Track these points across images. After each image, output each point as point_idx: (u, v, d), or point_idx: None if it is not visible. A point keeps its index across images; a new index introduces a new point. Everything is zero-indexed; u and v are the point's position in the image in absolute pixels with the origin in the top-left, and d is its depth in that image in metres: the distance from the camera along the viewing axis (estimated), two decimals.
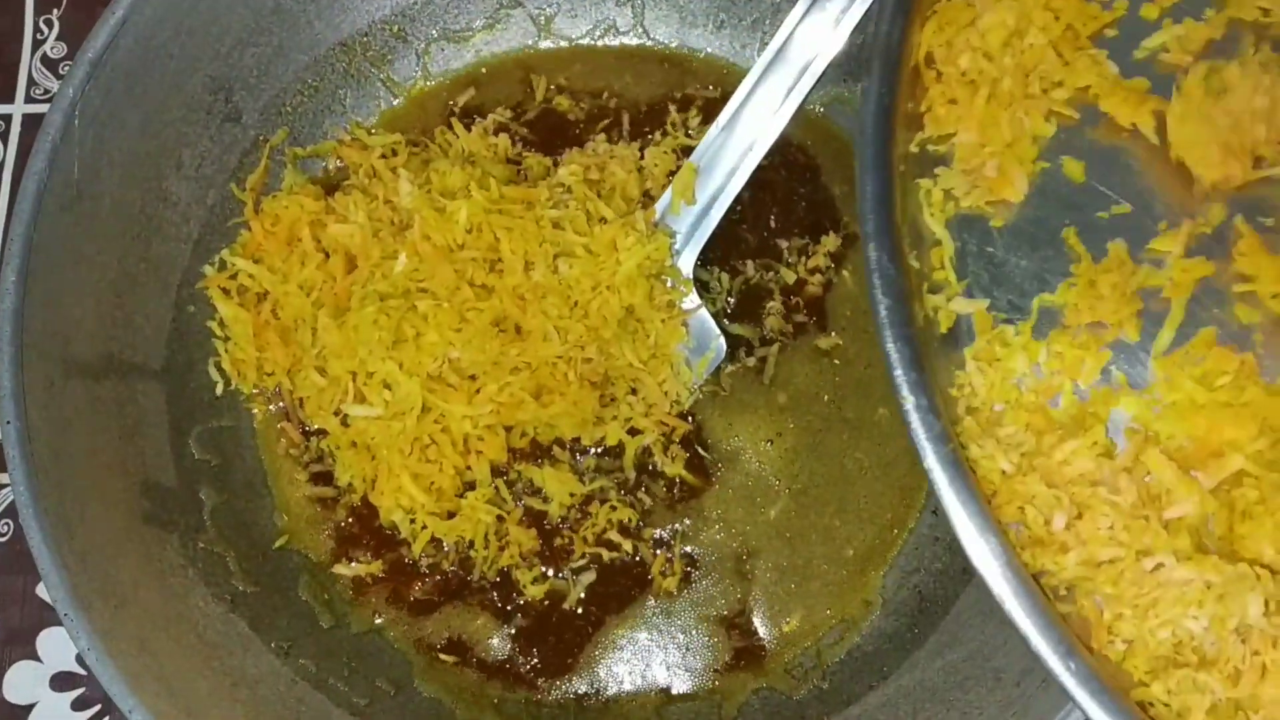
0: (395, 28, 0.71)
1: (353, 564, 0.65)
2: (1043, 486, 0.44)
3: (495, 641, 0.64)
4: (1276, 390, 0.44)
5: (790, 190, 0.71)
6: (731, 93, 0.64)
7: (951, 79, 0.48)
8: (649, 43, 0.74)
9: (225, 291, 0.65)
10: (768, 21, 0.72)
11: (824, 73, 0.62)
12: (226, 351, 0.65)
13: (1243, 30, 0.47)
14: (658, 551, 0.65)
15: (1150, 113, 0.47)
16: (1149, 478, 0.44)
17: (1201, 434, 0.44)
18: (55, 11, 0.78)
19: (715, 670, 0.64)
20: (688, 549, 0.65)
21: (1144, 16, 0.48)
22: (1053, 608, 0.43)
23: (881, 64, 0.47)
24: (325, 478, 0.66)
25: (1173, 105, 0.46)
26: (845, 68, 0.70)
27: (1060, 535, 0.43)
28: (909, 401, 0.44)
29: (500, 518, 0.64)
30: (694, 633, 0.64)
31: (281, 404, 0.67)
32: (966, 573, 0.62)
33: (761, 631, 0.64)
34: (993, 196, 0.47)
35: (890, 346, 0.44)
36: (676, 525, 0.65)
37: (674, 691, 0.64)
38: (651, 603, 0.64)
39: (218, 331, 0.66)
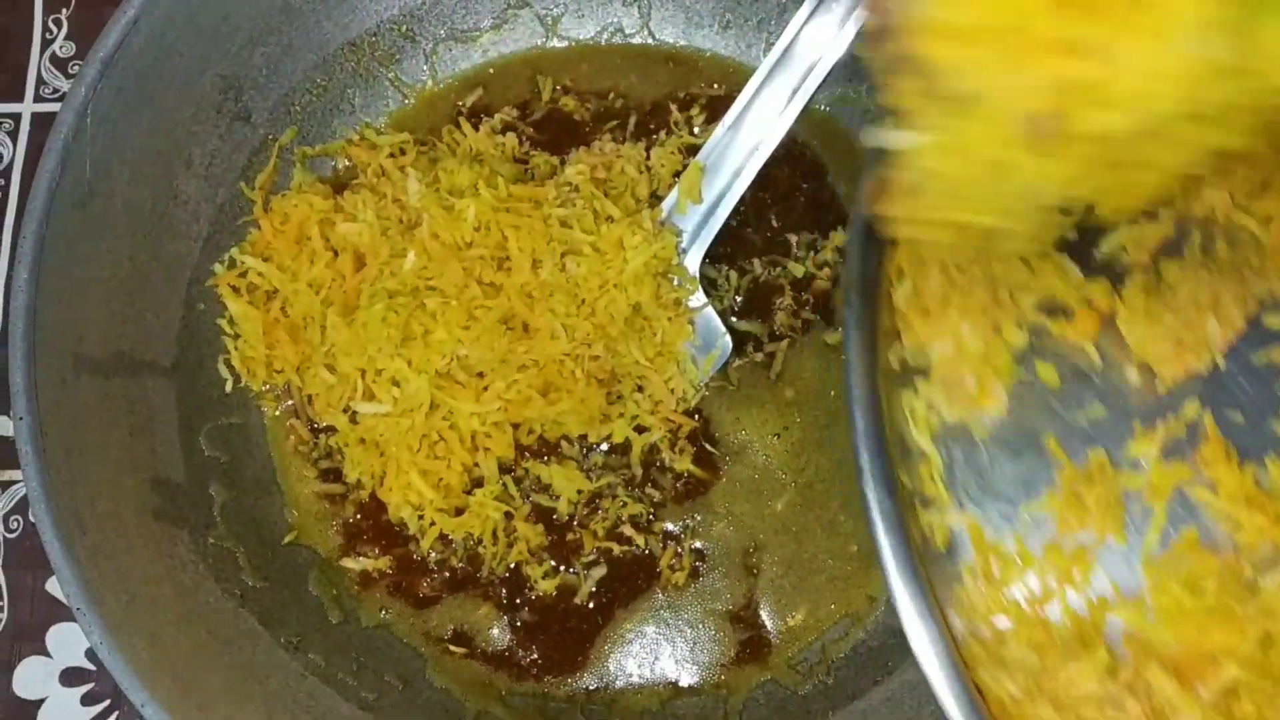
0: (403, 28, 0.72)
1: (361, 559, 0.65)
2: (1052, 711, 0.44)
3: (501, 633, 0.64)
4: (1259, 590, 0.45)
5: (794, 186, 0.71)
6: (737, 92, 0.64)
7: (923, 291, 0.49)
8: (655, 43, 0.75)
9: (235, 289, 0.65)
10: (773, 22, 0.73)
11: (829, 73, 0.62)
12: (236, 349, 0.66)
13: (1191, 226, 0.49)
14: (666, 545, 0.65)
15: (1108, 318, 0.49)
16: (1153, 693, 0.44)
17: (1193, 640, 0.44)
18: (64, 11, 0.78)
19: (721, 664, 0.64)
20: (696, 544, 0.66)
21: (1101, 217, 0.49)
22: None
23: (860, 300, 0.48)
24: (334, 474, 0.66)
25: (1120, 311, 0.48)
26: (850, 68, 0.70)
27: None
28: (919, 638, 0.44)
29: (508, 514, 0.64)
30: (701, 626, 0.64)
31: (291, 401, 0.67)
32: None
33: (768, 625, 0.65)
34: (974, 408, 0.49)
35: (896, 583, 0.45)
36: (686, 520, 0.66)
37: (681, 684, 0.64)
38: (660, 596, 0.65)
39: (227, 329, 0.66)
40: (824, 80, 0.63)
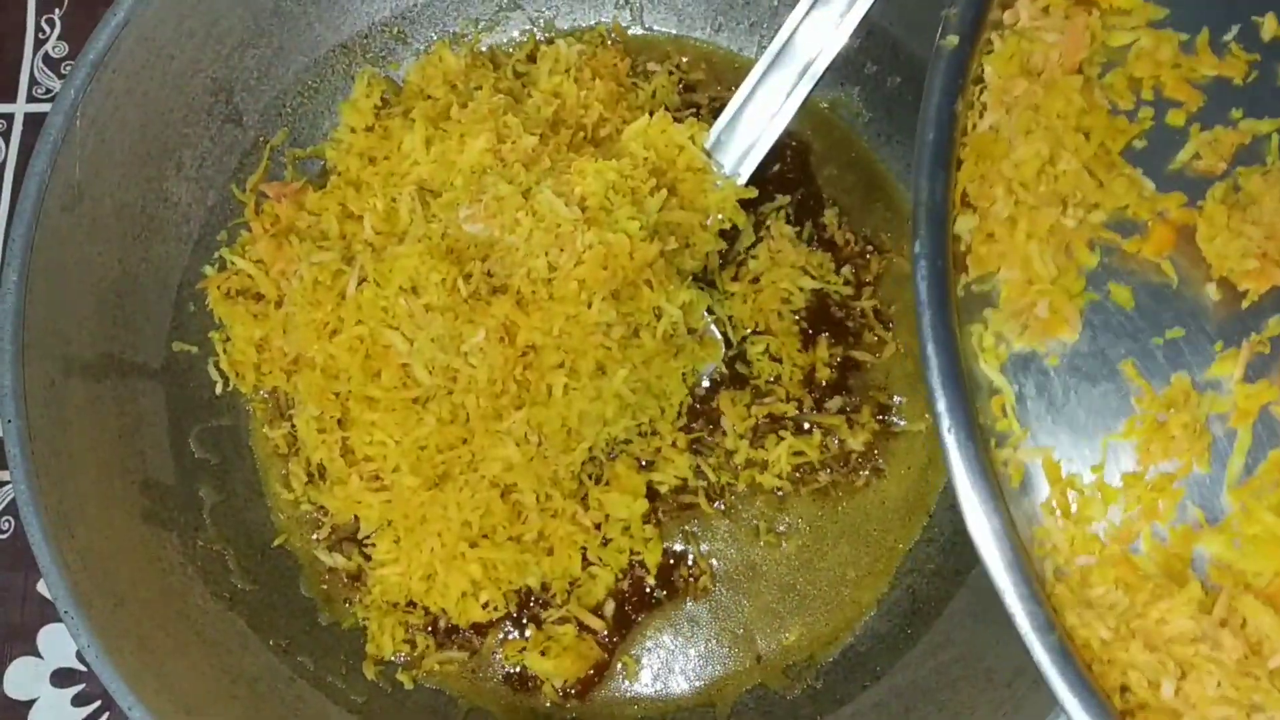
0: (395, 29, 0.71)
1: (336, 555, 0.65)
2: (1145, 652, 0.43)
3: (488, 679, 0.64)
4: None
5: (784, 185, 0.71)
6: (731, 92, 0.64)
7: (988, 214, 0.47)
8: None
9: (226, 292, 0.65)
10: (765, 25, 0.72)
11: (823, 75, 0.62)
12: (225, 352, 0.66)
13: (1270, 131, 0.47)
14: (677, 563, 0.65)
15: (1184, 233, 0.46)
16: (1248, 626, 0.42)
17: None
18: (57, 11, 0.78)
19: (715, 675, 0.64)
20: (714, 561, 0.65)
21: (1171, 124, 0.47)
22: None
23: (929, 227, 0.45)
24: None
25: (1200, 226, 0.46)
26: (843, 71, 0.70)
27: (1170, 701, 0.42)
28: (1009, 593, 0.43)
29: None
30: (701, 641, 0.64)
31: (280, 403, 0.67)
32: (959, 574, 0.63)
33: (760, 644, 0.64)
34: (1045, 336, 0.46)
35: (981, 532, 0.43)
36: (688, 546, 0.65)
37: (675, 693, 0.64)
38: (676, 614, 0.64)
39: (217, 332, 0.66)
40: (817, 82, 0.62)
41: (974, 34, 0.47)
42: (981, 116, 0.47)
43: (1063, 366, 0.46)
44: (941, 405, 0.44)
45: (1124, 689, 0.43)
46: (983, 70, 0.48)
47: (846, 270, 0.68)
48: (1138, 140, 0.47)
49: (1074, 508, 0.45)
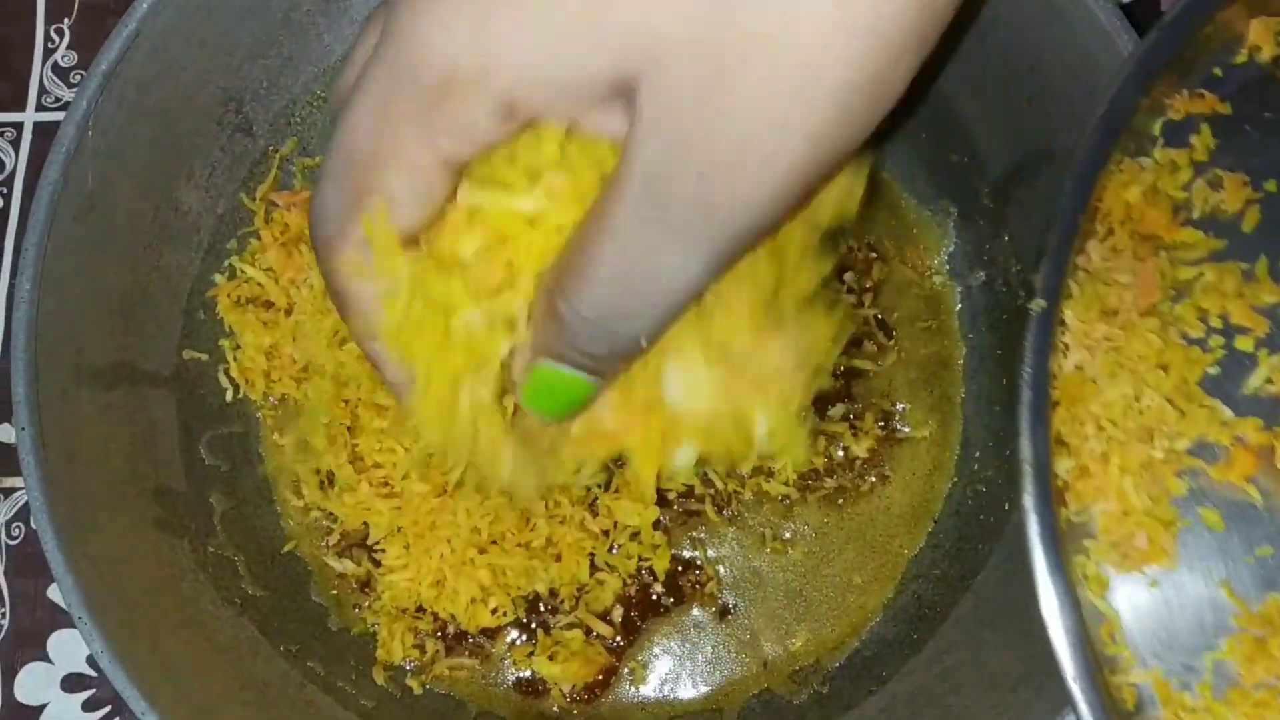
0: None
1: (345, 561, 0.65)
2: None
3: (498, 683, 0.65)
4: None
5: None
6: None
7: (1080, 451, 0.49)
8: None
9: (235, 300, 0.66)
10: None
11: None
12: (235, 359, 0.66)
13: None
14: (684, 571, 0.65)
15: (1264, 454, 0.49)
16: None
17: None
18: (66, 20, 0.79)
19: (722, 680, 0.64)
20: (720, 568, 0.65)
21: (1240, 349, 0.49)
22: None
23: (1036, 482, 0.47)
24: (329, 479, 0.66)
25: (1277, 449, 0.48)
26: None
27: None
28: None
29: None
30: (708, 647, 0.65)
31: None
32: (964, 580, 0.63)
33: (767, 649, 0.65)
34: (1145, 563, 0.49)
35: None
36: (695, 552, 0.66)
37: (682, 698, 0.64)
38: (683, 620, 0.65)
39: (227, 340, 0.66)
40: None
41: (1057, 290, 0.49)
42: (1066, 356, 0.49)
43: (1162, 591, 0.49)
44: (1062, 649, 0.46)
45: None
46: (1064, 315, 0.50)
47: (849, 277, 0.69)
48: (1211, 367, 0.49)
49: None
